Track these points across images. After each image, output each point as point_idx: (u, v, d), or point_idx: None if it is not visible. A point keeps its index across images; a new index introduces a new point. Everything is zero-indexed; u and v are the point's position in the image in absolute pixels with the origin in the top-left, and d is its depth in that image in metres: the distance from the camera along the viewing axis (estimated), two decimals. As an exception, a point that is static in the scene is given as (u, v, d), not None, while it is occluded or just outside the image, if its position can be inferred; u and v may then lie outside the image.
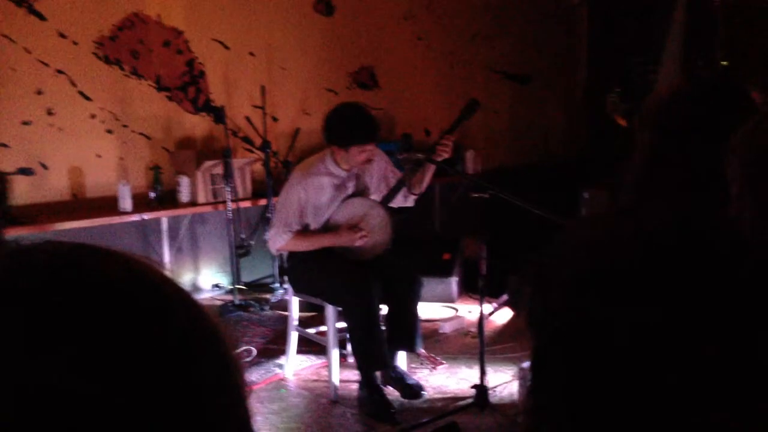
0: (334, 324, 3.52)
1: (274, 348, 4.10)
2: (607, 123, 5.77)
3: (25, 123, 4.37)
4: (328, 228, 3.53)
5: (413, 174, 3.52)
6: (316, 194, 3.48)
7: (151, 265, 0.45)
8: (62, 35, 4.47)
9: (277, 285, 4.97)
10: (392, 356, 3.54)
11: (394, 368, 3.55)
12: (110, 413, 0.38)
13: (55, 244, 0.43)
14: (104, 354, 0.39)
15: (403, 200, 3.66)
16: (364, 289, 3.32)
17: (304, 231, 3.50)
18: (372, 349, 3.36)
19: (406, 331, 3.50)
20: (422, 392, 3.51)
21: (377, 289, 3.37)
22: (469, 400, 3.27)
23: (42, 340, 0.38)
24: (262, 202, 4.92)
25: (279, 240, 3.48)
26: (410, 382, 3.54)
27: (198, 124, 5.03)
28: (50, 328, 0.38)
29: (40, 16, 4.37)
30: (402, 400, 3.47)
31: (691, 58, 5.31)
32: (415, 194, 3.63)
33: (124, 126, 4.73)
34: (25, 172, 3.98)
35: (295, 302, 3.77)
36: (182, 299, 0.44)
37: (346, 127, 3.39)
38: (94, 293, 0.41)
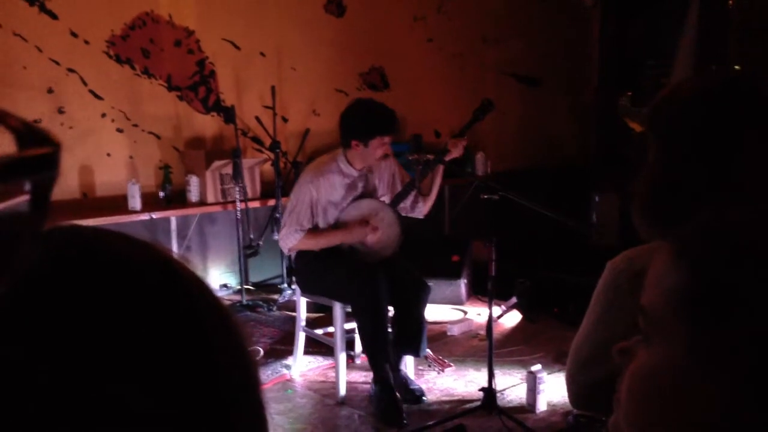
0: (341, 325, 3.52)
1: (281, 348, 4.10)
2: (618, 126, 5.75)
3: (36, 121, 4.39)
4: (337, 227, 3.52)
5: (423, 176, 3.51)
6: (327, 193, 3.47)
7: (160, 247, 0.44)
8: (74, 34, 4.49)
9: (285, 285, 4.97)
10: (398, 360, 3.53)
11: (399, 371, 3.54)
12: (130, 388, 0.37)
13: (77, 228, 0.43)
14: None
15: (412, 210, 3.65)
16: (372, 283, 3.31)
17: (315, 229, 3.50)
18: (382, 345, 3.35)
19: (412, 335, 3.48)
20: (423, 398, 3.50)
21: (385, 285, 3.36)
22: (477, 403, 3.26)
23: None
24: (271, 202, 4.92)
25: (291, 239, 3.47)
26: (413, 387, 3.52)
27: (208, 124, 5.04)
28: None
29: (52, 15, 4.38)
30: (409, 402, 3.46)
31: (703, 61, 5.28)
32: (425, 196, 3.62)
33: (135, 125, 4.74)
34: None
35: (302, 303, 3.76)
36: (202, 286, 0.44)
37: (368, 119, 3.39)
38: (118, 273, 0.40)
